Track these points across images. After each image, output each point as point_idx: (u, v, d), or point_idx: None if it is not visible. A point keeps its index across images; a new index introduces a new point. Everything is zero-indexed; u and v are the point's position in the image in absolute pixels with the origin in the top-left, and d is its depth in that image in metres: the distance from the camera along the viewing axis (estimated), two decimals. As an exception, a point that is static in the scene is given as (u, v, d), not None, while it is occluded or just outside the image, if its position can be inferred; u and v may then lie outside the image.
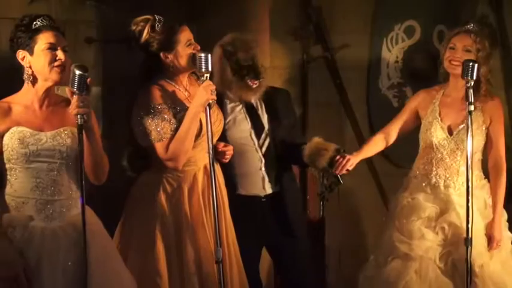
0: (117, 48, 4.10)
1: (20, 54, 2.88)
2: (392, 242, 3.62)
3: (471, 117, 3.33)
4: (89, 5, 4.29)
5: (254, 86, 3.55)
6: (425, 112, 3.71)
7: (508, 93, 4.91)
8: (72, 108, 2.72)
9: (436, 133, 3.64)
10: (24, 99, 2.92)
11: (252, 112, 3.67)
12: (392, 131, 3.79)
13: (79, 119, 2.72)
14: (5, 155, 2.87)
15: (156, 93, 3.28)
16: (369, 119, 4.65)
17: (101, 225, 3.05)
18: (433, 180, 3.62)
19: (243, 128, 3.65)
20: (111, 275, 2.93)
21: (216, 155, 3.37)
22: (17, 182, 2.88)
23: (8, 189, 2.89)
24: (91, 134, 2.83)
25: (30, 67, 2.87)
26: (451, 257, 3.53)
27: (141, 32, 3.30)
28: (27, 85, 2.91)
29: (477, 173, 3.62)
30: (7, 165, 2.88)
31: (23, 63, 2.89)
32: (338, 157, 3.54)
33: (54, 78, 2.87)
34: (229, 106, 3.66)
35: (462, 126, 3.57)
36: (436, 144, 3.64)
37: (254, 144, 3.64)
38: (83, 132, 2.75)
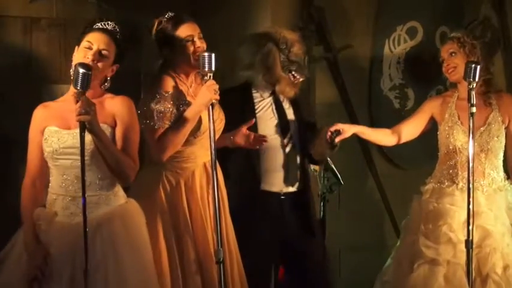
0: None
1: (75, 50, 3.00)
2: (418, 247, 3.60)
3: (473, 119, 3.34)
4: (90, 3, 4.30)
5: (297, 81, 3.53)
6: (443, 117, 3.72)
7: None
8: (76, 114, 2.75)
9: (458, 137, 3.64)
10: (67, 95, 3.00)
11: (279, 109, 3.67)
12: (403, 131, 3.81)
13: (80, 120, 2.76)
14: (44, 154, 2.98)
15: (167, 82, 3.31)
16: (371, 120, 4.63)
17: (141, 222, 3.08)
18: (460, 184, 3.61)
19: (270, 124, 3.66)
20: (122, 276, 2.94)
21: (247, 142, 3.47)
22: (52, 179, 2.99)
23: (49, 186, 3.01)
24: (97, 138, 2.86)
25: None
26: (475, 259, 3.48)
27: (152, 26, 3.37)
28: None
29: (499, 174, 3.65)
30: (49, 163, 2.99)
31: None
32: (329, 133, 3.58)
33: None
34: (256, 101, 3.67)
35: (483, 127, 3.60)
36: (459, 148, 3.64)
37: (280, 140, 3.65)
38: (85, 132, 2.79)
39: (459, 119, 3.67)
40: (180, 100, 3.32)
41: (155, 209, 3.30)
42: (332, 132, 3.56)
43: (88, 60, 2.90)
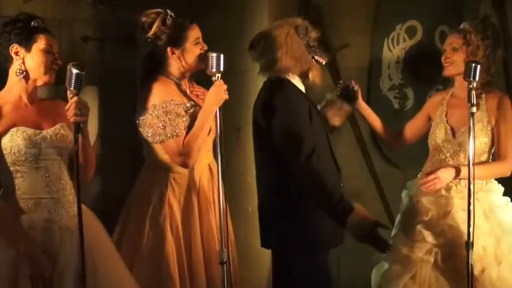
0: (114, 47, 4.09)
1: (14, 48, 2.91)
2: (396, 244, 3.59)
3: (473, 119, 3.30)
4: (86, 3, 4.28)
5: (323, 62, 3.42)
6: (435, 114, 3.70)
7: (510, 95, 4.84)
8: (70, 115, 2.72)
9: (440, 134, 3.62)
10: (11, 96, 2.94)
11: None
12: (405, 131, 3.84)
13: (76, 121, 2.73)
14: (9, 158, 2.87)
15: (162, 89, 3.28)
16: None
17: (99, 225, 3.07)
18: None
19: None
20: (112, 274, 2.96)
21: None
22: (24, 184, 2.89)
23: (18, 192, 2.89)
24: (85, 136, 2.89)
25: (23, 63, 2.91)
26: (452, 260, 3.47)
27: (151, 24, 3.29)
28: (14, 80, 2.94)
29: None
30: (11, 168, 2.89)
31: (15, 57, 2.92)
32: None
33: (46, 80, 2.94)
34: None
35: (464, 128, 3.52)
36: (440, 146, 3.61)
37: None
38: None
39: (446, 116, 3.65)
40: (186, 104, 3.30)
41: (164, 212, 3.30)
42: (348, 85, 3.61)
43: (58, 65, 2.94)
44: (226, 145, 3.72)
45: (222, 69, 3.15)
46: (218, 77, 3.18)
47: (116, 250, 3.13)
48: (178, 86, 3.37)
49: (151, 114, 3.24)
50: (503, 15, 4.80)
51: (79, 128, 2.73)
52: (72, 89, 2.72)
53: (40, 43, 2.92)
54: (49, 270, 2.83)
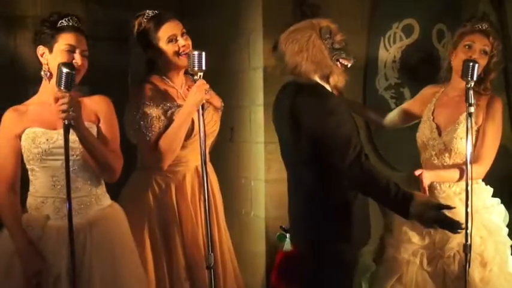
0: (105, 46, 4.07)
1: (40, 50, 2.95)
2: (383, 244, 3.57)
3: (471, 120, 3.25)
4: (76, 1, 4.26)
5: (349, 64, 3.28)
6: (425, 109, 3.65)
7: (509, 94, 4.81)
8: (59, 113, 2.71)
9: (426, 132, 3.56)
10: (41, 98, 2.99)
11: None
12: (393, 112, 3.84)
13: (65, 120, 2.73)
14: (24, 157, 2.95)
15: (146, 90, 3.25)
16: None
17: (123, 224, 3.08)
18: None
19: None
20: (115, 277, 2.94)
21: None
22: (37, 182, 2.95)
23: (31, 189, 2.98)
24: (81, 136, 2.84)
25: (47, 64, 2.93)
26: (439, 260, 3.42)
27: (133, 27, 3.30)
28: (44, 82, 2.98)
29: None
30: (28, 166, 2.96)
31: (41, 59, 2.95)
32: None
33: None
34: None
35: (451, 127, 3.47)
36: (426, 144, 3.56)
37: None
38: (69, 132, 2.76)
39: (433, 114, 3.59)
40: (167, 104, 3.24)
41: (143, 213, 3.25)
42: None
43: (77, 65, 2.90)
44: (219, 146, 3.68)
45: (204, 67, 3.05)
46: (200, 75, 3.09)
47: (136, 255, 3.12)
48: (166, 86, 3.33)
49: (130, 114, 3.23)
50: (502, 14, 4.76)
51: (69, 127, 2.72)
52: (62, 88, 2.71)
53: (61, 43, 2.91)
54: (41, 268, 2.84)
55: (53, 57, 2.93)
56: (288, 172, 3.26)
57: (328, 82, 3.19)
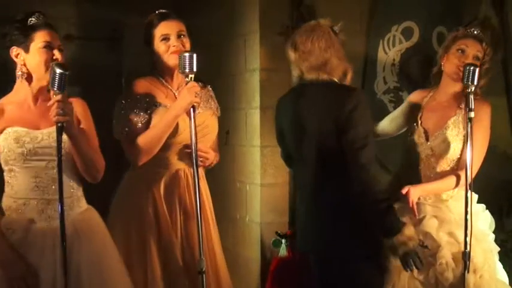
0: (97, 46, 4.06)
1: (14, 51, 2.88)
2: None
3: (471, 125, 3.19)
4: (69, 1, 4.23)
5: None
6: (411, 114, 3.62)
7: (509, 98, 4.76)
8: (52, 115, 2.68)
9: (413, 137, 3.53)
10: (17, 97, 2.92)
11: None
12: (384, 121, 3.79)
13: (59, 122, 2.69)
14: (2, 157, 2.87)
15: (133, 86, 3.24)
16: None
17: (103, 227, 3.05)
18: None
19: None
20: (102, 279, 2.91)
21: None
22: (17, 183, 2.88)
23: (9, 191, 2.90)
24: (74, 138, 2.81)
25: (24, 65, 2.88)
26: (431, 268, 3.35)
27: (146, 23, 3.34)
28: (20, 82, 2.91)
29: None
30: (5, 167, 2.89)
31: (16, 60, 2.89)
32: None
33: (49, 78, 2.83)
34: None
35: (439, 132, 3.43)
36: (414, 149, 3.51)
37: None
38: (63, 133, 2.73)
39: (420, 119, 3.54)
40: (149, 103, 3.23)
41: (130, 215, 3.25)
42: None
43: (58, 61, 2.84)
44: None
45: (195, 69, 3.02)
46: (191, 78, 3.05)
47: (114, 253, 3.07)
48: (161, 85, 3.31)
49: (116, 107, 3.24)
50: (503, 17, 4.71)
51: (62, 128, 2.69)
52: (55, 89, 2.68)
53: (37, 41, 2.87)
54: (24, 272, 2.78)
55: (31, 56, 2.88)
56: (308, 172, 3.14)
57: (344, 80, 3.13)
